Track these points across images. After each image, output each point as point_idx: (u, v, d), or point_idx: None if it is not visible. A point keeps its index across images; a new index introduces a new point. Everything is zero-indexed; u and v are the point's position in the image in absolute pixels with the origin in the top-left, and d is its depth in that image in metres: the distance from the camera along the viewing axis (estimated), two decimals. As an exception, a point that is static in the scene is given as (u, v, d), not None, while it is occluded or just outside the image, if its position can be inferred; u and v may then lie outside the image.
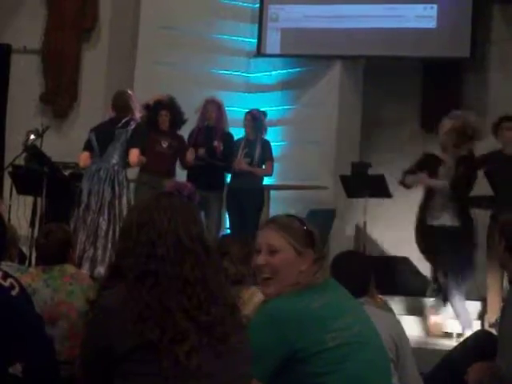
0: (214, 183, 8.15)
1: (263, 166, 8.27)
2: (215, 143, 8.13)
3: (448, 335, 6.96)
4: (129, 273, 2.16)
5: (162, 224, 2.20)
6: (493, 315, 6.80)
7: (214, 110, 8.19)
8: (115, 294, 2.14)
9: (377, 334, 2.76)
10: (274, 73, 9.73)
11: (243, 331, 2.24)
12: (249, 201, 8.12)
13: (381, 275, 7.43)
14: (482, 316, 7.05)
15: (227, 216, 8.46)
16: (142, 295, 2.11)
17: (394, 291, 7.37)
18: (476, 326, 7.00)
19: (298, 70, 9.58)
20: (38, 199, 7.67)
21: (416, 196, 9.20)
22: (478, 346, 3.82)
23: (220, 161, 8.15)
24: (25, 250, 7.42)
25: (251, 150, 8.22)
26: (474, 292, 7.97)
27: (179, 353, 2.06)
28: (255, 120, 8.27)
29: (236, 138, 8.36)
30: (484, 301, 7.09)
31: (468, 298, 7.71)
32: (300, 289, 2.64)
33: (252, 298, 3.80)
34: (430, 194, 6.91)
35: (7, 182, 8.14)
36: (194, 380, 2.07)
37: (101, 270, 6.28)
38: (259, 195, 8.24)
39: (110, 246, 6.47)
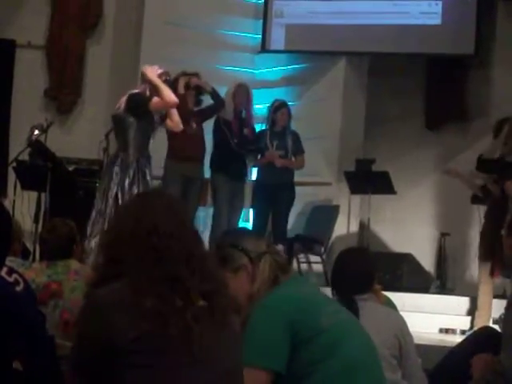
0: (243, 173, 8.13)
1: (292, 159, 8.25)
2: (245, 131, 8.10)
3: (452, 331, 6.97)
4: (128, 256, 2.15)
5: (161, 208, 2.22)
6: (484, 312, 6.80)
7: (243, 94, 8.15)
8: (110, 288, 2.12)
9: (358, 321, 2.83)
10: (278, 69, 9.72)
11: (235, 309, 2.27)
12: (282, 196, 8.05)
13: (384, 271, 7.49)
14: (471, 313, 7.05)
15: (252, 211, 8.41)
16: (144, 271, 2.11)
17: (397, 288, 7.38)
18: (466, 322, 7.02)
19: (302, 66, 9.58)
20: (42, 194, 7.68)
21: (419, 193, 9.23)
22: (481, 343, 3.82)
23: (251, 150, 8.13)
24: (29, 245, 7.43)
25: (282, 141, 8.18)
26: (464, 288, 8.00)
27: (187, 316, 2.07)
28: (290, 112, 8.26)
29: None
30: (473, 298, 7.09)
31: (458, 294, 7.74)
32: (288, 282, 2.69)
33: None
34: None
35: (11, 177, 8.14)
36: (197, 368, 2.08)
37: None
38: (292, 189, 8.19)
39: None
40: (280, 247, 2.79)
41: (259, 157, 8.27)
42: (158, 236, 2.16)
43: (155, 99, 6.48)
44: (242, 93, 8.15)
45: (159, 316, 2.05)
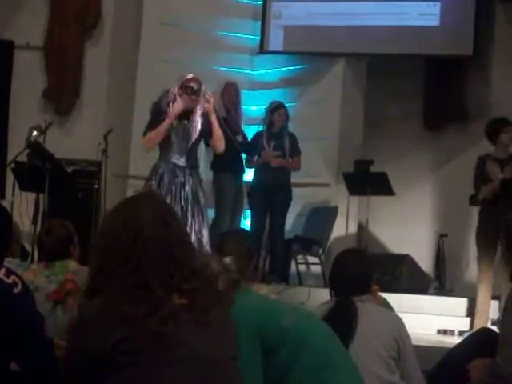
0: (244, 172, 8.12)
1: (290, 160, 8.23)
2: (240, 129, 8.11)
3: (450, 333, 6.96)
4: (112, 265, 2.15)
5: (148, 211, 2.21)
6: (483, 313, 6.79)
7: (232, 92, 8.12)
8: (95, 301, 2.14)
9: (317, 316, 2.92)
10: (276, 70, 9.72)
11: (223, 305, 2.26)
12: (279, 197, 8.00)
13: (383, 273, 7.49)
14: (470, 314, 7.05)
15: (250, 214, 8.39)
16: (121, 278, 2.12)
17: (395, 289, 7.38)
18: (464, 323, 7.01)
19: (301, 67, 9.58)
20: (41, 196, 7.68)
21: (418, 194, 9.23)
22: (479, 344, 3.81)
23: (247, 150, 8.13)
24: (27, 246, 7.43)
25: (279, 142, 8.17)
26: (462, 290, 7.99)
27: (152, 322, 2.07)
28: (287, 113, 8.25)
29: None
30: (471, 299, 7.08)
31: (456, 295, 7.74)
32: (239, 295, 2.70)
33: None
34: None
35: (10, 178, 8.14)
36: (179, 363, 2.09)
37: None
38: (289, 191, 8.16)
39: None
40: (228, 259, 2.81)
41: (256, 158, 8.26)
42: (143, 241, 2.16)
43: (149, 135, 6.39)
44: (231, 91, 8.13)
45: (136, 320, 2.07)
